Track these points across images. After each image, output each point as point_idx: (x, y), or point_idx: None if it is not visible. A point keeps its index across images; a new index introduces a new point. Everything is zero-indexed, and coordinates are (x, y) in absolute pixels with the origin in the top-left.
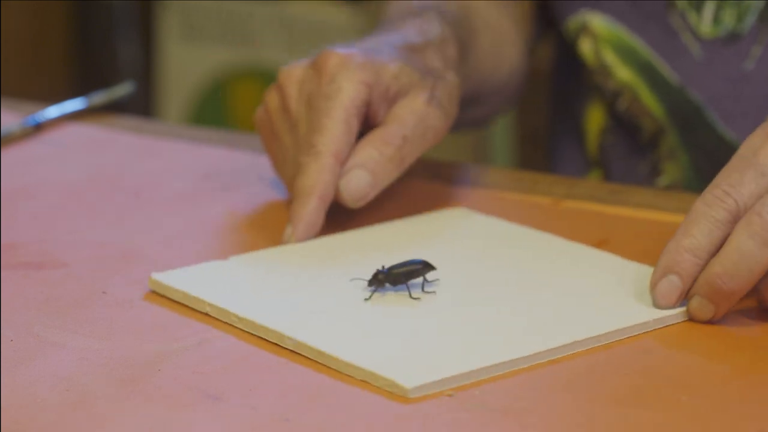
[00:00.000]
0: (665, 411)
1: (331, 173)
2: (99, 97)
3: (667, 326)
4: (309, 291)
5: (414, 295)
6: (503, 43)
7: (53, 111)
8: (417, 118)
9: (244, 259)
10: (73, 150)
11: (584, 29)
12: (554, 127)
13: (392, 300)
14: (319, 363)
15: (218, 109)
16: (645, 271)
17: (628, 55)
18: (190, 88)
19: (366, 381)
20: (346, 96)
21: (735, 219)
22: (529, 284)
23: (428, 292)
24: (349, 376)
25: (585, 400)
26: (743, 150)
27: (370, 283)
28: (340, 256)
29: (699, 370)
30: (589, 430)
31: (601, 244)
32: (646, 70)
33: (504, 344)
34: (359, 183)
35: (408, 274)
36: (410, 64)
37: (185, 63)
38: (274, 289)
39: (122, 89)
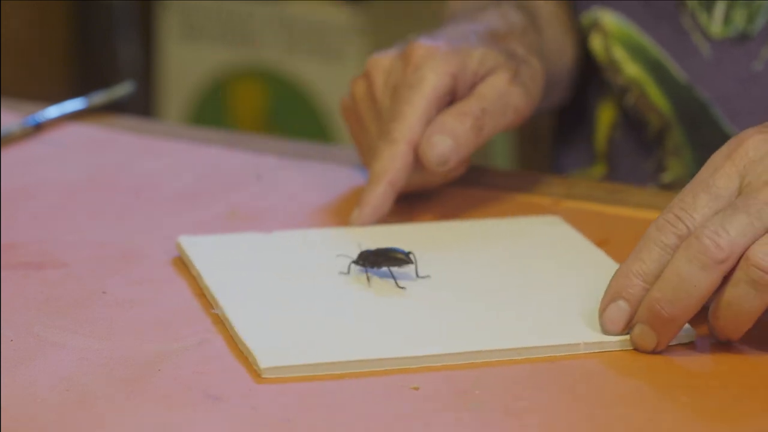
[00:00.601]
0: (665, 411)
1: (403, 160)
2: (99, 97)
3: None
4: (299, 273)
5: (363, 281)
6: (563, 36)
7: (53, 111)
8: (497, 94)
9: (285, 235)
10: (73, 150)
11: (596, 25)
12: (563, 117)
13: (358, 287)
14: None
15: (218, 109)
16: None
17: (638, 52)
18: (190, 88)
19: (246, 356)
20: (428, 85)
21: None
22: (512, 291)
23: (400, 287)
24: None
25: (585, 400)
26: (704, 169)
27: (355, 262)
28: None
29: (699, 370)
30: (589, 430)
31: (601, 244)
32: (654, 68)
33: (394, 343)
34: (442, 146)
35: (382, 258)
36: (495, 49)
37: (185, 63)
38: (270, 267)
39: (122, 89)
